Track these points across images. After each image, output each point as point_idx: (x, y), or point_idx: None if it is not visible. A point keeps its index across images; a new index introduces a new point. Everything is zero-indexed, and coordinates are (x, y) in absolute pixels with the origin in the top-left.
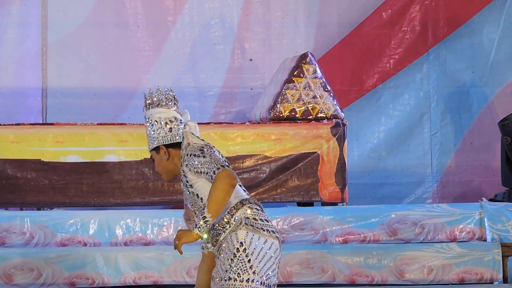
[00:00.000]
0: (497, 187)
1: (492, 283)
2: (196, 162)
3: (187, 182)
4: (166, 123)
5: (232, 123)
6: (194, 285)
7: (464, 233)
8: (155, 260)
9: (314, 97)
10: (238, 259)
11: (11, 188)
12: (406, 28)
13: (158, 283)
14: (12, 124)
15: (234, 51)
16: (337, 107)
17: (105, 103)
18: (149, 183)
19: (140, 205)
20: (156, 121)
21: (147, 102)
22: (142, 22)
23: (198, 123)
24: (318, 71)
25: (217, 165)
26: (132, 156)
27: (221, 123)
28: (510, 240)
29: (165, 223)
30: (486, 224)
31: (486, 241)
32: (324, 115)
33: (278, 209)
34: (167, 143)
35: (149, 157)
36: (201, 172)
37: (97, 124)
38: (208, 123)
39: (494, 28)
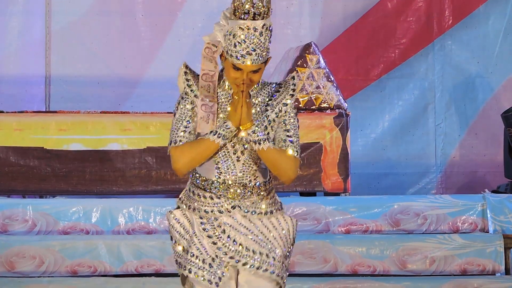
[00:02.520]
0: (502, 179)
1: (494, 274)
2: (296, 124)
3: (272, 122)
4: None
5: None
6: None
7: (466, 224)
8: (157, 249)
9: (318, 87)
10: (289, 247)
11: (13, 175)
12: (411, 18)
13: (160, 272)
14: (15, 112)
15: None
16: (340, 97)
17: (109, 91)
18: (152, 171)
19: (143, 193)
20: (270, 30)
21: (254, 11)
22: (146, 11)
23: None
24: (322, 61)
25: (299, 148)
26: (135, 145)
27: None
28: None
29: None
30: (488, 216)
31: (488, 232)
32: (327, 105)
33: (280, 199)
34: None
35: (253, 70)
36: (288, 133)
37: (100, 112)
38: None
39: (500, 18)
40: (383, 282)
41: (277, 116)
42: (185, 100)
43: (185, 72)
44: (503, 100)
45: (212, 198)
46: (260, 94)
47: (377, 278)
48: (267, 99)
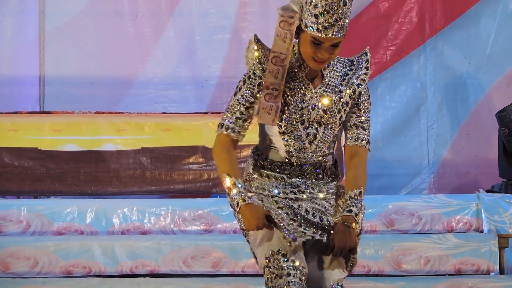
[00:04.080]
0: (494, 179)
1: (489, 274)
2: (369, 107)
3: (346, 105)
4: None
5: None
6: (190, 275)
7: (461, 224)
8: (152, 249)
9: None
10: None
11: (8, 176)
12: (403, 20)
13: (155, 272)
14: (10, 112)
15: (232, 41)
16: None
17: (103, 92)
18: (147, 172)
19: (137, 194)
20: (351, 2)
21: None
22: (140, 11)
23: (196, 113)
24: None
25: (369, 130)
26: (129, 145)
27: (219, 112)
28: (507, 232)
29: (162, 212)
30: (483, 215)
31: (483, 232)
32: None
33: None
34: None
35: (335, 42)
36: (361, 120)
37: (95, 113)
38: (206, 113)
39: (491, 19)
40: (378, 282)
41: (351, 98)
42: (252, 81)
43: (257, 43)
44: (495, 100)
45: (283, 179)
46: (334, 70)
47: (372, 278)
48: (340, 78)
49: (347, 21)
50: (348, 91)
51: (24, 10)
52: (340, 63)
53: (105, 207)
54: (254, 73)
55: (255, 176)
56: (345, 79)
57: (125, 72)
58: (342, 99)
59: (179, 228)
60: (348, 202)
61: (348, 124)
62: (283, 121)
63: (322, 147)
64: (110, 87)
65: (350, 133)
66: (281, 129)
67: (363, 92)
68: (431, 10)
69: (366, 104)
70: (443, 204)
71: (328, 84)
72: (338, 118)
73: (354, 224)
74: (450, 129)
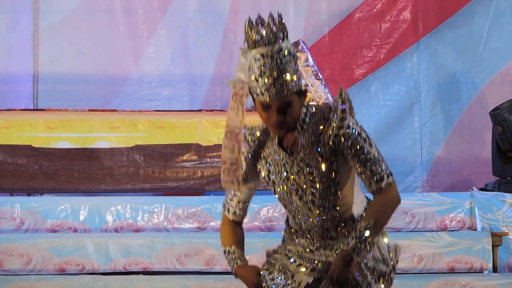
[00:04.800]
0: (487, 178)
1: (482, 272)
2: (364, 146)
3: (327, 160)
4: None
5: (224, 110)
6: (183, 272)
7: (454, 222)
8: (145, 247)
9: (306, 85)
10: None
11: (1, 173)
12: (396, 18)
13: (148, 270)
14: (3, 110)
15: (225, 39)
16: (329, 95)
17: (97, 89)
18: (140, 169)
19: (131, 191)
20: (294, 56)
21: (265, 37)
22: (133, 9)
23: (189, 110)
24: (310, 59)
25: (386, 167)
26: (123, 143)
27: (213, 110)
28: (500, 230)
29: (155, 210)
30: (476, 214)
31: (476, 230)
32: (315, 103)
33: (268, 197)
34: (302, 87)
35: (275, 103)
36: (363, 164)
37: (88, 110)
38: (200, 110)
39: (484, 18)
40: None
41: (333, 150)
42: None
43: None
44: (488, 99)
45: (298, 243)
46: (308, 129)
47: None
48: (315, 135)
49: (291, 77)
50: (326, 145)
51: (18, 8)
52: (315, 117)
53: (98, 204)
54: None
55: (285, 239)
56: (321, 133)
57: (118, 70)
58: (324, 156)
59: (172, 226)
60: (352, 234)
61: (357, 174)
62: (277, 194)
63: (328, 208)
64: (103, 84)
65: (363, 181)
66: (280, 202)
67: (345, 138)
68: (424, 9)
69: (357, 145)
70: (437, 202)
71: (304, 146)
72: (327, 176)
73: (347, 256)
74: (444, 128)
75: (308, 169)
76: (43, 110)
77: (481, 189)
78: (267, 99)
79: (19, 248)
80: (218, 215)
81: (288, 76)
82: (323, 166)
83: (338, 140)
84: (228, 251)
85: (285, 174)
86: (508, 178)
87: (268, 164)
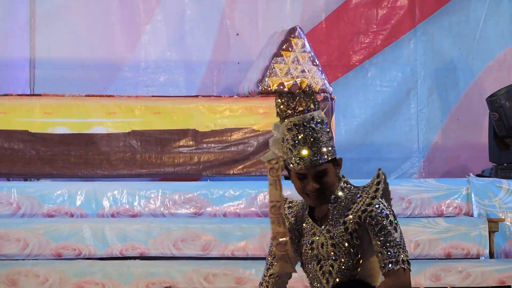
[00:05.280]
0: (483, 164)
1: (479, 258)
2: (388, 228)
3: (351, 236)
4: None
5: (221, 96)
6: (180, 258)
7: (451, 208)
8: (142, 232)
9: (303, 71)
10: None
11: None
12: (393, 4)
13: (145, 255)
14: (0, 95)
15: (222, 24)
16: (326, 81)
17: (94, 75)
18: (137, 155)
19: (128, 177)
20: (326, 123)
21: (295, 108)
22: None
23: (186, 96)
24: (307, 45)
25: (406, 255)
26: (120, 128)
27: (210, 96)
28: (497, 216)
29: (152, 195)
30: (473, 200)
31: (473, 216)
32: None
33: (265, 183)
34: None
35: (305, 169)
36: (382, 244)
37: (85, 95)
38: (196, 96)
39: (480, 4)
40: None
41: (359, 226)
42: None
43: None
44: (485, 85)
45: None
46: (340, 202)
47: None
48: (345, 209)
49: (325, 145)
50: (353, 220)
51: None
52: (350, 193)
53: (95, 189)
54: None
55: None
56: (351, 208)
57: (115, 55)
58: (348, 230)
59: (169, 211)
60: None
61: (375, 254)
62: (302, 260)
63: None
64: (100, 70)
65: (379, 261)
66: (304, 268)
67: (371, 216)
68: None
69: (381, 225)
70: (433, 189)
71: (333, 217)
72: (348, 250)
73: None
74: (440, 114)
75: (331, 241)
76: (40, 95)
77: (478, 175)
78: (302, 168)
79: (15, 233)
80: (215, 201)
81: (321, 144)
82: (346, 242)
83: (365, 216)
84: None
85: (311, 242)
86: (505, 164)
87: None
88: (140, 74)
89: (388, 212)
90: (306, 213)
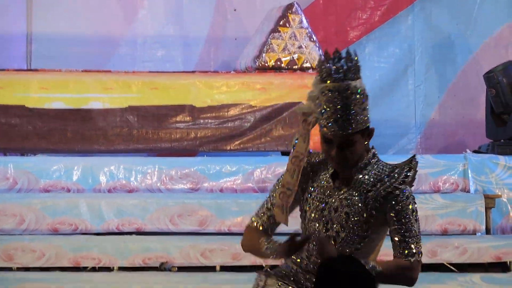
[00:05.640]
0: (481, 140)
1: (475, 234)
2: (410, 217)
3: (369, 211)
4: None
5: (217, 72)
6: (177, 233)
7: (447, 184)
8: (138, 208)
9: (300, 47)
10: None
11: None
12: None
13: (141, 230)
14: None
15: (219, 1)
16: (322, 57)
17: (91, 50)
18: (134, 130)
19: (124, 152)
20: (362, 95)
21: (336, 72)
22: None
23: (183, 72)
24: (304, 21)
25: (420, 246)
26: (117, 103)
27: (206, 71)
28: (493, 192)
29: (149, 171)
30: (469, 176)
31: (469, 192)
32: (309, 65)
33: (262, 158)
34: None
35: (338, 139)
36: (402, 233)
37: (82, 71)
38: (193, 72)
39: None
40: None
41: (378, 205)
42: (275, 184)
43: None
44: (482, 61)
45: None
46: (368, 174)
47: None
48: (371, 184)
49: (356, 116)
50: (376, 197)
51: None
52: (378, 168)
53: (92, 165)
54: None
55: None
56: (376, 185)
57: (112, 31)
58: (368, 205)
59: (165, 187)
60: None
61: (391, 238)
62: (305, 218)
63: (348, 247)
64: (97, 45)
65: (394, 247)
66: (302, 225)
67: (396, 201)
68: None
69: (404, 212)
70: (430, 165)
71: (355, 187)
72: (361, 223)
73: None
74: (438, 90)
75: (347, 209)
76: (37, 70)
77: (475, 151)
78: (329, 134)
79: (12, 208)
80: (212, 176)
81: (353, 114)
82: (362, 215)
83: (391, 198)
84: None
85: (323, 204)
86: (502, 140)
87: (313, 188)
88: (137, 49)
89: (412, 201)
90: (329, 173)
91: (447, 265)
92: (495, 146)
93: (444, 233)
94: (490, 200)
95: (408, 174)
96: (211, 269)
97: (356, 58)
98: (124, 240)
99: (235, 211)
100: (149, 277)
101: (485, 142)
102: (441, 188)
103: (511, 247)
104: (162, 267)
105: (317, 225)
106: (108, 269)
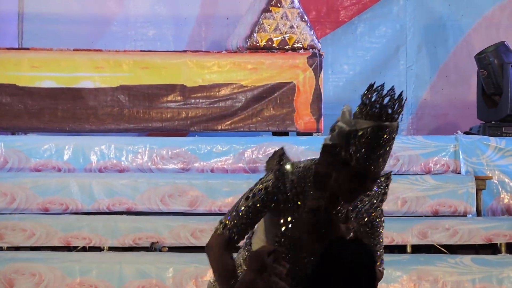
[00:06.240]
0: (472, 121)
1: (466, 215)
2: (381, 232)
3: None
4: None
5: (209, 52)
6: (167, 213)
7: (438, 165)
8: (129, 187)
9: (291, 27)
10: None
11: None
12: None
13: (132, 210)
14: None
15: None
16: (314, 37)
17: (82, 29)
18: (125, 110)
19: (115, 131)
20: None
21: (395, 111)
22: None
23: (174, 51)
24: (296, 1)
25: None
26: (108, 83)
27: (198, 51)
28: (484, 173)
29: (139, 150)
30: (460, 157)
31: (460, 174)
32: (300, 45)
33: (253, 138)
34: None
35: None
36: (377, 246)
37: (73, 50)
38: (185, 51)
39: None
40: None
41: (363, 225)
42: (262, 199)
43: (280, 158)
44: (474, 42)
45: None
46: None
47: None
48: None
49: (388, 154)
50: (362, 221)
51: None
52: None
53: (82, 144)
54: (267, 192)
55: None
56: (357, 205)
57: (104, 10)
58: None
59: (156, 166)
60: None
61: None
62: (285, 228)
63: None
64: (89, 24)
65: None
66: (272, 233)
67: (377, 220)
68: None
69: (379, 232)
70: (421, 146)
71: (345, 214)
72: None
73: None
74: (429, 71)
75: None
76: (28, 49)
77: (466, 133)
78: (370, 169)
79: (2, 187)
80: (203, 156)
81: (388, 153)
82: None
83: (371, 218)
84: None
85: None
86: (493, 122)
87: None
88: (128, 28)
89: (383, 218)
90: (322, 202)
91: (438, 246)
92: (486, 128)
93: (435, 214)
94: (481, 182)
95: (387, 190)
96: (202, 249)
97: (402, 99)
98: (114, 220)
99: (226, 191)
100: (140, 257)
101: (476, 123)
102: (432, 169)
103: (501, 229)
104: (152, 247)
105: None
106: (99, 248)
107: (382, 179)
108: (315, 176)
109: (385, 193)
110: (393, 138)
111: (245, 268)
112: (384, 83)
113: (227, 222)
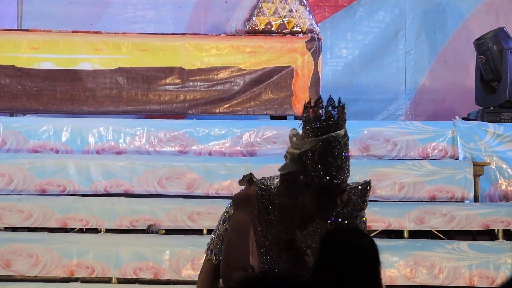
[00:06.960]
0: (470, 107)
1: (463, 201)
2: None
3: None
4: None
5: (207, 35)
6: (164, 195)
7: (436, 151)
8: (126, 169)
9: (290, 11)
10: None
11: None
12: None
13: (129, 192)
14: None
15: None
16: (313, 21)
17: (81, 11)
18: (123, 92)
19: (113, 113)
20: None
21: (329, 121)
22: None
23: (173, 34)
24: None
25: None
26: (106, 65)
27: (196, 34)
28: (482, 159)
29: (137, 133)
30: (458, 143)
31: (458, 159)
32: (299, 29)
33: (251, 122)
34: None
35: (339, 186)
36: None
37: (72, 31)
38: (183, 34)
39: None
40: None
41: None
42: (226, 221)
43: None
44: (473, 28)
45: None
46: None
47: None
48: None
49: (347, 161)
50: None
51: None
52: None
53: (80, 126)
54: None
55: None
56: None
57: None
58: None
59: (154, 149)
60: None
61: None
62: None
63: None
64: (88, 6)
65: None
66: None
67: (359, 224)
68: None
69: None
70: (419, 131)
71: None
72: None
73: None
74: (428, 56)
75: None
76: (27, 30)
77: (464, 118)
78: (333, 183)
79: (0, 168)
80: (200, 139)
81: (348, 161)
82: None
83: (356, 223)
84: None
85: (288, 242)
86: (491, 107)
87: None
88: (127, 10)
89: (364, 225)
90: (285, 211)
91: (435, 232)
92: (484, 114)
93: (432, 200)
94: (478, 168)
95: (366, 198)
96: (198, 232)
97: (343, 105)
98: (111, 202)
99: (223, 174)
100: (136, 239)
101: (474, 109)
102: (430, 155)
103: (499, 215)
104: (149, 230)
105: (279, 262)
106: (96, 230)
107: (360, 187)
108: (280, 208)
109: (364, 201)
110: (347, 144)
111: None
112: (320, 96)
113: (211, 245)
